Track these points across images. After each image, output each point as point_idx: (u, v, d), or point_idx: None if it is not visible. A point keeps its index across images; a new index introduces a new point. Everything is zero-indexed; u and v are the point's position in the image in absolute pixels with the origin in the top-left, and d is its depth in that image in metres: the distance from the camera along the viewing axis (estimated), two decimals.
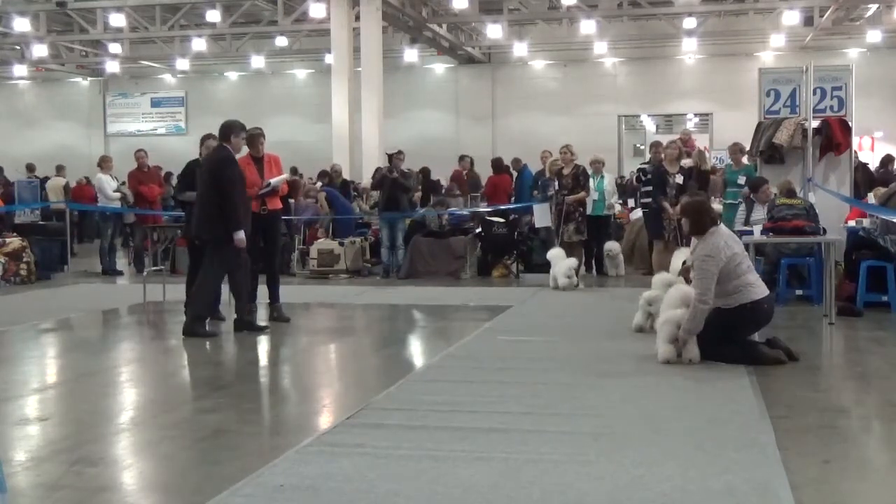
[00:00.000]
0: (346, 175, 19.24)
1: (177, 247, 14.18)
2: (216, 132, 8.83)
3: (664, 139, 14.01)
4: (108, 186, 14.86)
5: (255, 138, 9.26)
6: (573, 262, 11.81)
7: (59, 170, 18.99)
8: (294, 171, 18.29)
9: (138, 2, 25.58)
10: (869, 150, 25.07)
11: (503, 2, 26.24)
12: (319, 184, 16.88)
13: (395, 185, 13.56)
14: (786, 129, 11.07)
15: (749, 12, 27.04)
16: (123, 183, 15.26)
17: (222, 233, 8.40)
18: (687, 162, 11.91)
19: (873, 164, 18.76)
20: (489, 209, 15.01)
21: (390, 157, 14.01)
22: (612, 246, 13.26)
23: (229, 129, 8.61)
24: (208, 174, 8.57)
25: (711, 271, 6.78)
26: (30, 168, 19.43)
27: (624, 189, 19.24)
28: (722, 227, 7.24)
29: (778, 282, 9.96)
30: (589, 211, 12.87)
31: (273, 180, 9.29)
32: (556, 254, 11.96)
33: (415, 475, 4.28)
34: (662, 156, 11.76)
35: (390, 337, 8.96)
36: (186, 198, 9.46)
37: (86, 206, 17.10)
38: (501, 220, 14.15)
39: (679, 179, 10.91)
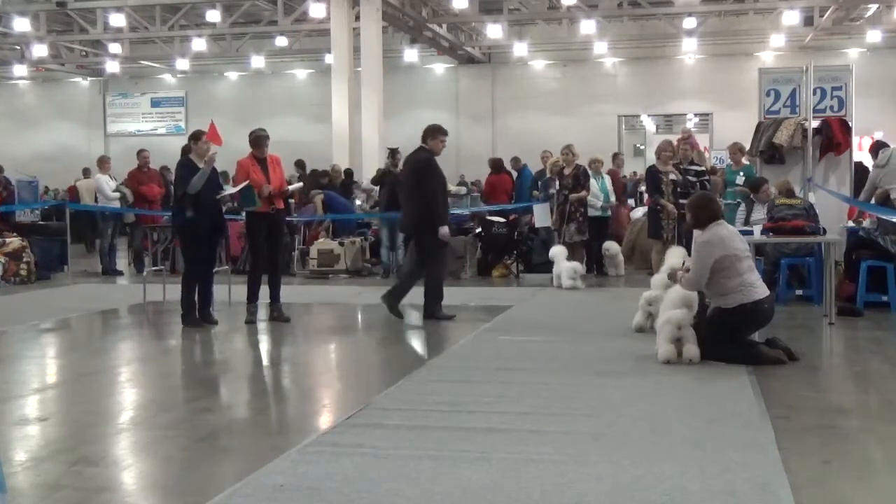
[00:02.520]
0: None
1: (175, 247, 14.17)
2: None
3: (669, 139, 13.94)
4: (107, 186, 14.86)
5: (260, 140, 9.31)
6: (578, 266, 11.83)
7: (87, 172, 18.97)
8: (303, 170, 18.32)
9: (138, 2, 25.59)
10: (869, 150, 25.06)
11: (503, 2, 26.25)
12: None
13: (397, 179, 13.57)
14: (786, 129, 11.06)
15: (749, 12, 27.07)
16: (123, 183, 15.25)
17: (425, 229, 9.06)
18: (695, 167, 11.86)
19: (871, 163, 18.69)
20: (493, 209, 14.97)
21: (393, 151, 13.97)
22: (609, 246, 13.26)
23: (427, 133, 9.27)
24: (410, 175, 9.35)
25: (707, 254, 6.87)
26: None
27: (624, 189, 19.09)
28: (725, 223, 7.27)
29: (778, 282, 9.96)
30: (596, 211, 12.87)
31: (291, 187, 9.97)
32: (558, 251, 11.99)
33: (415, 475, 4.28)
34: (657, 157, 11.72)
35: (390, 337, 8.95)
36: (194, 185, 8.97)
37: (86, 206, 17.09)
38: (502, 219, 14.15)
39: (674, 177, 10.89)
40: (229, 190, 9.80)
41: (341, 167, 18.89)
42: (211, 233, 9.26)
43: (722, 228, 7.06)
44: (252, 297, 9.34)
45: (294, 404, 6.36)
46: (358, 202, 17.05)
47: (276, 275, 9.50)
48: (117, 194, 14.82)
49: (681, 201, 10.62)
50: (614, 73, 32.05)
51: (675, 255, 8.45)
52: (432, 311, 9.31)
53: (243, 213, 9.89)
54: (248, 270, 9.77)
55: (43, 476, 4.45)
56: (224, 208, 9.93)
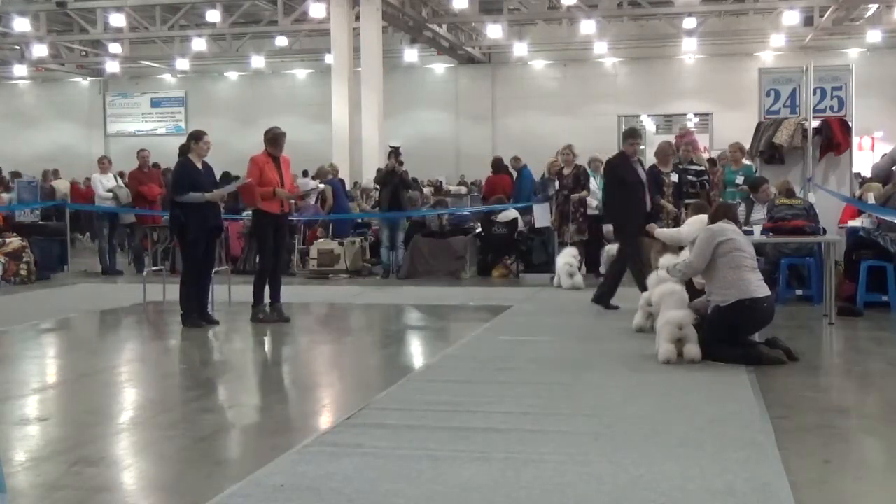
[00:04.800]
0: (343, 174, 19.19)
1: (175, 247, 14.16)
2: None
3: (667, 139, 13.90)
4: (101, 186, 14.83)
5: (278, 138, 9.37)
6: (570, 260, 11.79)
7: (57, 173, 19.02)
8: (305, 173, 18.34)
9: (138, 2, 25.59)
10: (869, 150, 25.07)
11: (503, 2, 26.24)
12: (320, 182, 16.87)
13: (401, 179, 13.55)
14: (786, 129, 11.06)
15: (749, 12, 27.06)
16: (123, 182, 15.22)
17: (623, 223, 9.88)
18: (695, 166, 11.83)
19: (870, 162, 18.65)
20: (501, 208, 14.90)
21: (395, 149, 13.91)
22: (611, 247, 13.20)
23: (622, 136, 10.33)
24: (606, 176, 10.51)
25: (710, 238, 6.98)
26: None
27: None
28: (738, 228, 7.35)
29: (778, 282, 9.96)
30: (593, 210, 12.85)
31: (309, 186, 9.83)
32: (568, 251, 11.97)
33: (415, 475, 4.28)
34: (657, 158, 11.71)
35: (390, 337, 8.96)
36: (190, 199, 9.05)
37: (84, 206, 17.09)
38: (507, 218, 14.10)
39: (675, 178, 10.88)
40: (227, 187, 9.73)
41: (338, 166, 18.91)
42: (209, 233, 9.24)
43: (731, 225, 7.20)
44: (258, 299, 9.29)
45: (294, 404, 6.37)
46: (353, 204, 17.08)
47: (277, 275, 9.49)
48: (109, 194, 14.76)
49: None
50: (614, 73, 32.02)
51: (672, 258, 8.46)
52: (602, 298, 9.83)
53: (248, 213, 9.90)
54: (256, 272, 9.67)
55: (43, 476, 4.45)
56: (222, 207, 9.92)
